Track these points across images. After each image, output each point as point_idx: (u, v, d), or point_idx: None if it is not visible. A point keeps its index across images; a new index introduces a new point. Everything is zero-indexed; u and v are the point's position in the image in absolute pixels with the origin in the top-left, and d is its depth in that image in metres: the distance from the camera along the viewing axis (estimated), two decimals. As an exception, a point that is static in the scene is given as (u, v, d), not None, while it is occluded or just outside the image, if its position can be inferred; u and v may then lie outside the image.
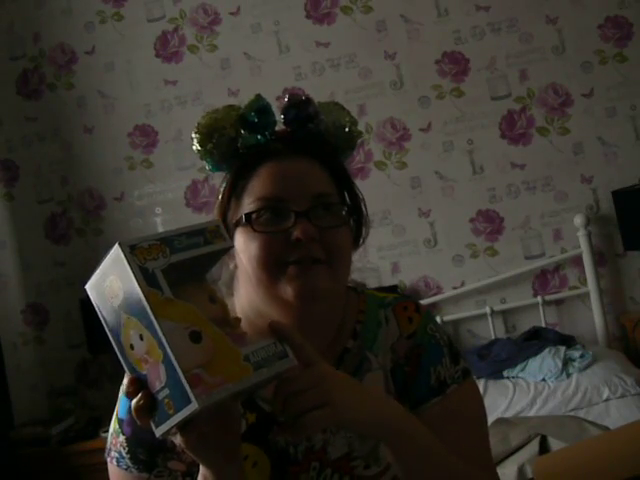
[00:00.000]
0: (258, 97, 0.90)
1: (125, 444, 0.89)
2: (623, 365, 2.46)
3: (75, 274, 3.16)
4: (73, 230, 3.18)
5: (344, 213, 0.87)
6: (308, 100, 0.92)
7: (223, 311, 0.71)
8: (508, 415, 2.24)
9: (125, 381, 0.71)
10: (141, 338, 0.65)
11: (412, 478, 0.81)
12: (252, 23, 3.06)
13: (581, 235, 2.78)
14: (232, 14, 3.08)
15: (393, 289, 2.87)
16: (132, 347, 0.66)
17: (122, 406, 0.91)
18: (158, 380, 0.64)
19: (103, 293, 0.67)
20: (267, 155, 0.87)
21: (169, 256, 0.66)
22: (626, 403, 2.24)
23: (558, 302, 2.90)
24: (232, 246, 0.75)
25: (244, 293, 0.89)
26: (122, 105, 3.14)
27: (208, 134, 0.88)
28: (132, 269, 0.64)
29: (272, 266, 0.82)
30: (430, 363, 0.92)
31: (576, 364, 2.46)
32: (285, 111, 0.91)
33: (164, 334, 0.62)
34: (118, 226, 3.14)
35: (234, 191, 0.87)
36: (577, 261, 2.84)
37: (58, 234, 3.19)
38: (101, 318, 0.69)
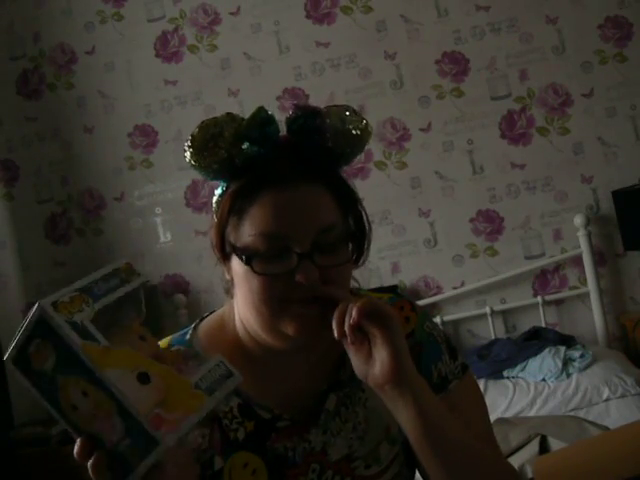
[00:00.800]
0: (260, 109, 0.84)
1: None
2: (623, 365, 2.46)
3: (75, 274, 3.12)
4: (73, 230, 3.18)
5: (348, 244, 0.84)
6: (316, 111, 0.85)
7: (156, 347, 0.71)
8: (508, 415, 2.24)
9: (75, 447, 0.65)
10: (85, 395, 0.62)
11: (428, 443, 0.80)
12: (252, 23, 3.06)
13: (581, 235, 2.79)
14: (232, 14, 3.08)
15: (393, 289, 2.87)
16: (75, 408, 0.63)
17: None
18: (114, 433, 0.62)
19: (29, 360, 0.64)
20: (270, 177, 0.81)
21: (92, 304, 0.65)
22: (626, 403, 2.24)
23: (558, 302, 2.90)
24: (147, 280, 0.75)
25: (242, 312, 0.87)
26: (122, 105, 3.14)
27: (202, 148, 0.82)
28: (61, 326, 0.61)
29: (274, 303, 0.81)
30: (430, 361, 0.92)
31: (576, 364, 2.46)
32: (291, 121, 0.85)
33: (113, 384, 0.60)
34: (118, 226, 3.15)
35: (232, 210, 0.82)
36: (577, 261, 2.84)
37: (58, 234, 3.19)
38: (31, 389, 0.65)
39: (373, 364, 0.78)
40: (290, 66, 3.04)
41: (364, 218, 0.87)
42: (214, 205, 0.87)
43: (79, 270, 3.16)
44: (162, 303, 3.05)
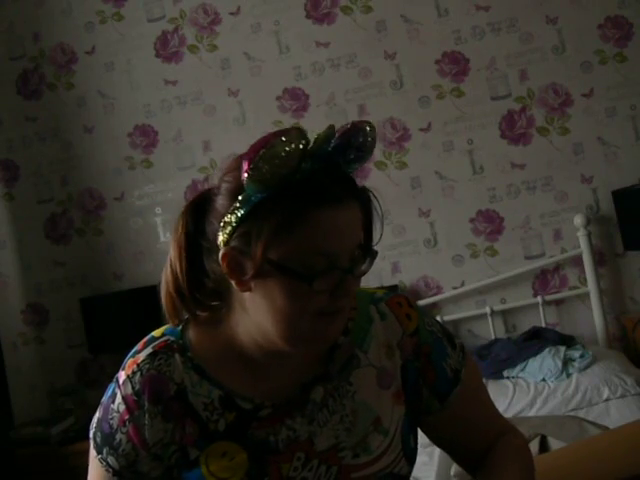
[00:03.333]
0: (331, 128, 0.82)
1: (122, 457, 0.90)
2: (623, 365, 2.46)
3: (75, 274, 3.16)
4: (73, 230, 3.18)
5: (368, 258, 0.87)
6: (365, 129, 0.84)
7: None
8: (508, 415, 2.24)
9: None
10: None
11: None
12: (252, 23, 3.06)
13: (581, 235, 2.79)
14: (232, 14, 3.08)
15: (393, 289, 2.87)
16: None
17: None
18: None
19: None
20: (326, 196, 0.80)
21: None
22: (626, 403, 2.24)
23: (558, 302, 2.90)
24: None
25: (257, 322, 0.86)
26: (122, 105, 3.14)
27: (269, 159, 0.77)
28: None
29: (311, 317, 0.82)
30: (440, 359, 0.97)
31: (576, 364, 2.46)
32: (348, 142, 0.83)
33: None
34: (118, 226, 3.15)
35: (282, 226, 0.79)
36: (577, 261, 2.84)
37: (58, 234, 3.19)
38: None
39: None
40: (290, 66, 3.04)
41: (380, 233, 0.90)
42: (234, 216, 0.82)
43: (79, 270, 3.16)
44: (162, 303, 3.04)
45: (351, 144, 0.83)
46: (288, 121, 3.00)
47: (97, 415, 0.93)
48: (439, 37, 2.96)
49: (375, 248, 0.88)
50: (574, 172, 2.89)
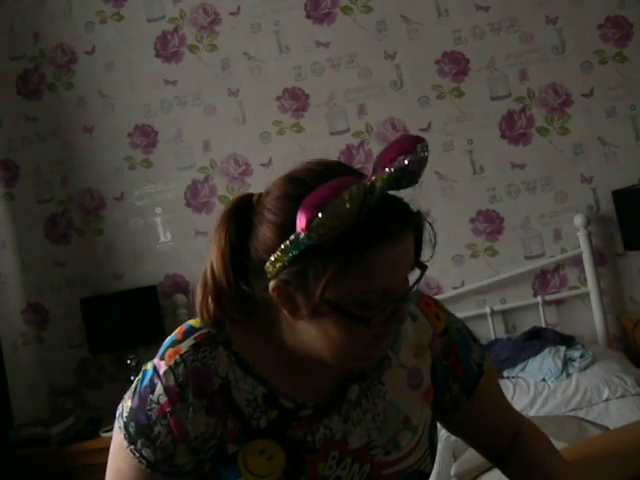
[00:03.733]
0: (391, 178, 0.77)
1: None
2: (623, 365, 2.46)
3: (75, 274, 3.16)
4: (73, 230, 3.18)
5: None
6: (427, 149, 0.80)
7: None
8: (508, 415, 2.24)
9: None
10: None
11: None
12: (252, 23, 3.06)
13: (581, 235, 2.79)
14: (232, 14, 3.08)
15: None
16: None
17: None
18: None
19: None
20: (383, 236, 0.78)
21: None
22: (626, 403, 2.24)
23: (558, 302, 2.90)
24: None
25: (309, 342, 0.85)
26: (122, 105, 3.14)
27: (330, 223, 0.73)
28: None
29: (366, 342, 0.83)
30: (467, 356, 1.01)
31: (576, 364, 2.46)
32: (406, 176, 0.78)
33: None
34: (118, 226, 3.15)
35: (345, 262, 0.77)
36: (577, 261, 2.84)
37: (58, 234, 3.19)
38: None
39: None
40: (290, 66, 3.04)
41: (431, 255, 0.91)
42: (286, 256, 0.78)
43: (79, 270, 3.16)
44: (162, 303, 3.05)
45: (408, 178, 0.79)
46: (288, 121, 3.00)
47: (129, 404, 0.89)
48: (439, 37, 2.96)
49: (424, 262, 0.88)
50: (574, 172, 2.89)
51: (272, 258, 0.79)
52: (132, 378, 2.89)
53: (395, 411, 0.94)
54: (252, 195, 0.89)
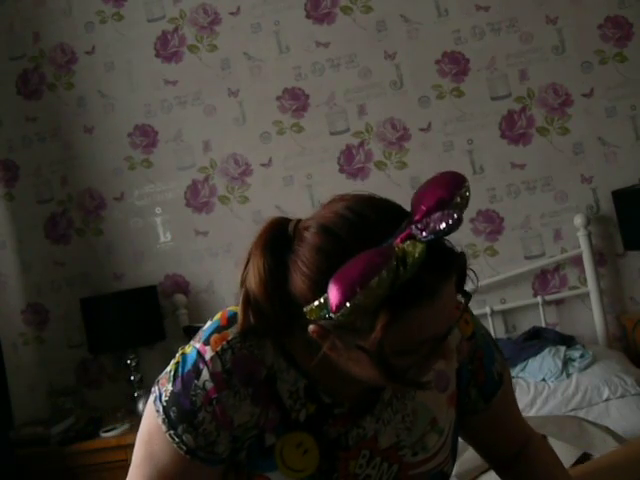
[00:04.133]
0: (422, 249, 0.75)
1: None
2: (623, 365, 2.46)
3: (75, 274, 3.16)
4: (73, 230, 3.18)
5: None
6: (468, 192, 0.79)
7: None
8: (508, 415, 2.24)
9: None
10: None
11: None
12: (252, 23, 3.06)
13: (581, 235, 2.79)
14: (232, 14, 3.08)
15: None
16: None
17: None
18: None
19: None
20: (423, 295, 0.76)
21: None
22: (626, 403, 2.24)
23: (558, 302, 2.90)
24: None
25: (340, 361, 0.84)
26: (122, 105, 3.14)
27: (364, 301, 0.71)
28: None
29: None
30: (490, 364, 1.02)
31: (576, 364, 2.46)
32: (447, 230, 0.79)
33: None
34: (118, 226, 3.14)
35: (380, 325, 0.75)
36: (577, 261, 2.84)
37: (58, 234, 3.19)
38: None
39: None
40: (290, 66, 3.04)
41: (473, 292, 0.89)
42: (320, 313, 0.76)
43: (79, 270, 3.16)
44: (162, 303, 3.05)
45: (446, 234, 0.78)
46: (288, 121, 3.00)
47: (170, 388, 0.86)
48: (439, 37, 2.95)
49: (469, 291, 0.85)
50: (574, 172, 2.89)
51: (307, 309, 0.76)
52: (132, 378, 2.90)
53: (424, 412, 0.95)
54: (288, 221, 0.86)
